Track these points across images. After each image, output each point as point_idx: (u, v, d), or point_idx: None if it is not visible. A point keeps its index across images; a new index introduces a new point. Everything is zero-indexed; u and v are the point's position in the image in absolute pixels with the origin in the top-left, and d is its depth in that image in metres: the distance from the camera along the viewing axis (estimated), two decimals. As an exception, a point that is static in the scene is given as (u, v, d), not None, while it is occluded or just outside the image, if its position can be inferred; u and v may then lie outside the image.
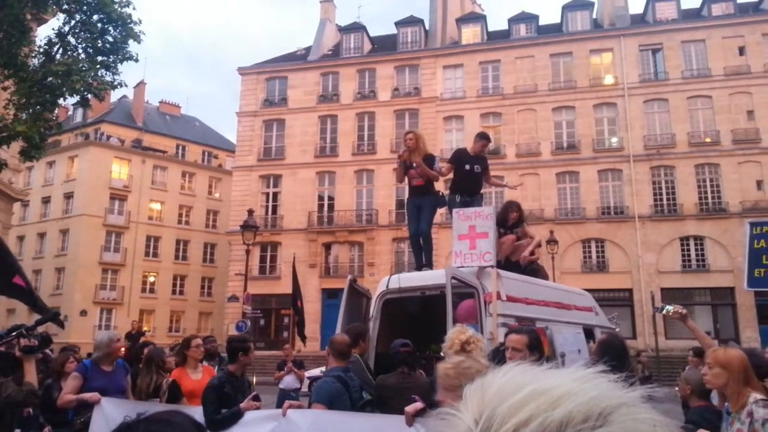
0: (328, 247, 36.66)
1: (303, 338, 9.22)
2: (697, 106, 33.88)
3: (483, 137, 8.58)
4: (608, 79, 35.41)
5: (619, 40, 35.39)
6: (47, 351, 7.97)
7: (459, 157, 8.43)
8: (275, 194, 38.20)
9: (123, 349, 6.01)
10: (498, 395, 0.52)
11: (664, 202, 33.14)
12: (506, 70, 36.50)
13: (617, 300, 31.04)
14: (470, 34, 39.27)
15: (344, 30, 41.80)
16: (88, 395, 5.31)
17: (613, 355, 3.95)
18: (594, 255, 33.50)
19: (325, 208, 37.32)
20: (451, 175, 8.61)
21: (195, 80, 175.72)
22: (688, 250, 32.35)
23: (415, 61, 38.32)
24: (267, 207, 37.94)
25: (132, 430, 1.12)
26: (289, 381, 10.82)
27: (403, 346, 5.54)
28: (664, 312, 5.09)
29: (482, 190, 8.69)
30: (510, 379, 0.53)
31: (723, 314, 31.10)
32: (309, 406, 4.93)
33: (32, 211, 46.55)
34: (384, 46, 40.65)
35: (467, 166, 8.20)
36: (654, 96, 34.43)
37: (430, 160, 8.20)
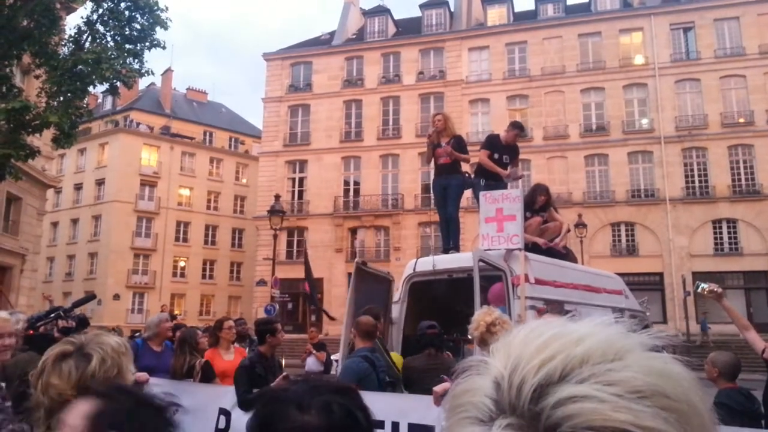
0: (354, 231, 36.80)
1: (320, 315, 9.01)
2: (731, 86, 32.99)
3: (516, 126, 8.50)
4: (638, 59, 34.64)
5: (649, 18, 34.54)
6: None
7: (491, 144, 8.35)
8: (301, 179, 38.41)
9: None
10: (524, 341, 0.57)
11: (696, 184, 32.46)
12: (533, 51, 35.94)
13: (647, 284, 30.62)
14: (496, 15, 38.72)
15: (368, 14, 41.55)
16: (137, 375, 5.46)
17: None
18: (624, 238, 33.05)
19: (351, 192, 37.43)
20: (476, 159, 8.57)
21: (215, 67, 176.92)
22: (721, 233, 31.70)
23: (440, 43, 37.95)
24: (293, 192, 38.19)
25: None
26: (311, 363, 10.94)
27: (429, 327, 5.56)
28: (699, 290, 4.96)
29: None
30: (533, 329, 0.58)
31: (756, 298, 30.50)
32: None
33: (65, 198, 47.57)
34: (408, 29, 40.33)
35: (497, 155, 8.15)
36: (686, 76, 33.61)
37: (458, 140, 8.20)
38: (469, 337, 4.48)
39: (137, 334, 14.22)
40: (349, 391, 1.14)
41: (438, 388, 3.87)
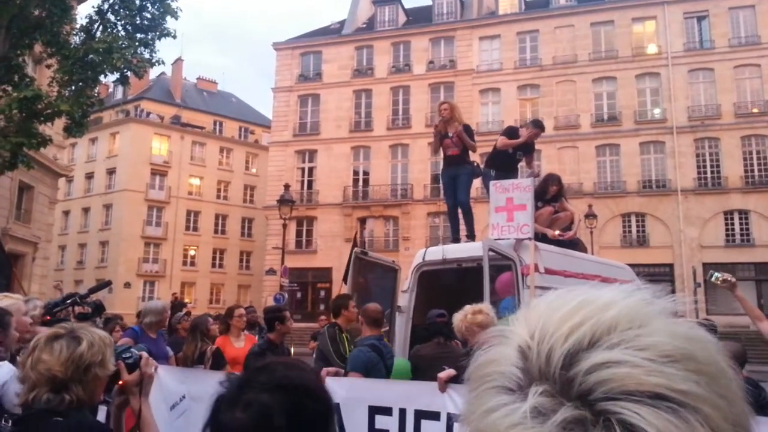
0: (363, 221, 36.83)
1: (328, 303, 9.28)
2: (745, 76, 32.60)
3: (538, 126, 8.36)
4: (651, 49, 34.28)
5: (662, 7, 34.13)
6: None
7: (510, 135, 8.26)
8: (311, 169, 38.45)
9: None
10: (549, 309, 0.57)
11: (708, 175, 32.19)
12: (545, 40, 35.65)
13: (658, 275, 30.44)
14: (507, 3, 38.39)
15: (379, 2, 41.30)
16: (150, 360, 5.50)
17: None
18: (634, 229, 32.88)
19: (360, 182, 37.43)
20: (480, 149, 8.56)
21: (226, 57, 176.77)
22: (732, 224, 31.47)
23: (451, 32, 37.72)
24: (303, 182, 38.24)
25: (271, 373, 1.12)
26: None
27: (439, 316, 5.57)
28: (713, 279, 4.94)
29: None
30: (557, 297, 0.58)
31: (768, 290, 30.32)
32: (345, 374, 5.03)
33: (76, 187, 47.91)
34: (419, 17, 40.10)
35: (511, 150, 8.09)
36: (699, 65, 33.24)
37: (466, 129, 8.16)
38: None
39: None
40: (290, 388, 1.08)
41: (443, 375, 3.90)
